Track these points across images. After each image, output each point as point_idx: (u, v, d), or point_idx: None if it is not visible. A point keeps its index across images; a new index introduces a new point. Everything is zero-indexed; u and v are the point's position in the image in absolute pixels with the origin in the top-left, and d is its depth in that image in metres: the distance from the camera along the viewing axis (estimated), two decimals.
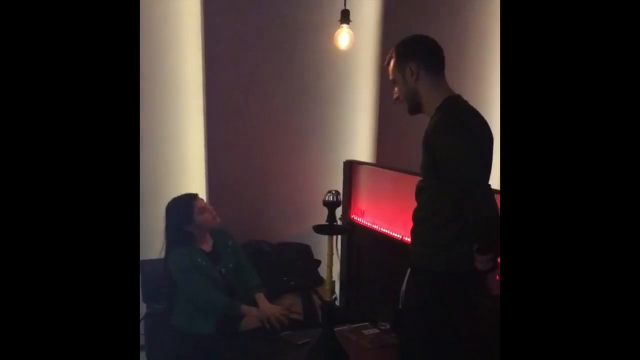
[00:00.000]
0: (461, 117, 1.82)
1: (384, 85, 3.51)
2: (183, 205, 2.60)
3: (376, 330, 2.62)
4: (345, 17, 2.92)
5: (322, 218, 2.50)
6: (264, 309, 2.55)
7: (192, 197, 2.65)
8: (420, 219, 1.92)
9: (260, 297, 2.62)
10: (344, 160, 3.38)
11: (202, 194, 3.09)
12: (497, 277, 1.87)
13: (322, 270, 3.29)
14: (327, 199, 2.23)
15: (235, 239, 2.82)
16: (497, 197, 1.74)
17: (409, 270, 1.98)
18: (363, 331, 2.61)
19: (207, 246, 2.67)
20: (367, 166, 3.32)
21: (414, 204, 1.97)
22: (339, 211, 2.45)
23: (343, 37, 2.94)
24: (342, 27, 2.93)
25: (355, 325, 2.65)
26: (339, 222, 2.53)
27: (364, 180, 3.27)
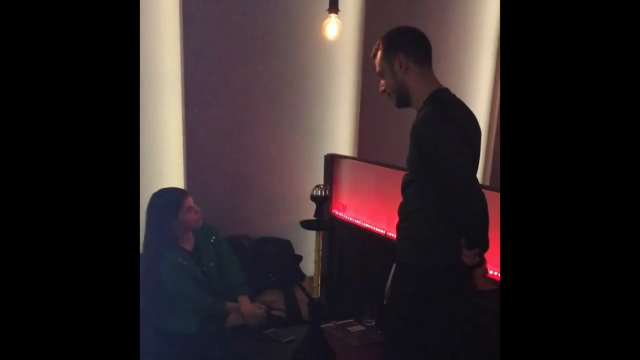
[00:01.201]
0: (450, 110, 1.80)
1: (366, 78, 3.49)
2: (172, 201, 2.50)
3: (362, 328, 2.60)
4: (333, 6, 2.85)
5: (303, 212, 2.46)
6: (244, 311, 2.48)
7: (183, 194, 2.55)
8: (406, 213, 1.90)
9: (242, 300, 2.53)
10: (325, 154, 3.34)
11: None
12: (484, 272, 1.86)
13: (304, 266, 3.26)
14: (315, 193, 2.15)
15: (219, 233, 2.72)
16: (485, 192, 1.73)
17: (395, 265, 1.95)
18: (348, 328, 2.60)
19: (189, 245, 2.58)
20: (348, 160, 3.29)
21: (397, 199, 1.94)
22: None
23: (331, 27, 2.87)
24: (331, 16, 2.87)
25: (340, 322, 2.63)
26: None
27: (345, 174, 3.25)
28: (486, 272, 1.87)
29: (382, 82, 1.92)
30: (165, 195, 2.54)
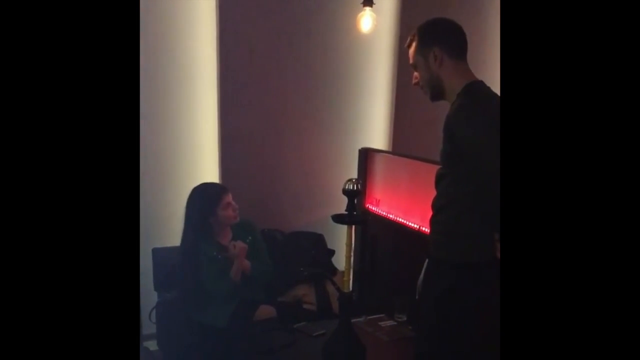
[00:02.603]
0: (483, 102, 1.76)
1: (401, 71, 3.45)
2: (211, 196, 2.54)
3: (393, 322, 2.58)
4: None
5: (336, 207, 2.45)
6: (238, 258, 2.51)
7: (223, 190, 2.58)
8: (439, 208, 1.87)
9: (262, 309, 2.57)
10: (359, 148, 3.32)
11: (215, 182, 3.04)
12: None
13: (336, 260, 3.26)
14: (347, 187, 2.14)
15: (258, 233, 2.73)
16: None
17: (427, 260, 1.93)
18: (379, 323, 2.58)
19: (226, 239, 2.61)
20: (382, 154, 3.26)
21: (432, 193, 1.91)
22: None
23: (366, 20, 2.86)
24: (365, 9, 2.85)
25: (371, 317, 2.62)
26: None
27: (379, 168, 3.22)
28: None
29: (416, 74, 1.90)
30: (206, 191, 2.57)
